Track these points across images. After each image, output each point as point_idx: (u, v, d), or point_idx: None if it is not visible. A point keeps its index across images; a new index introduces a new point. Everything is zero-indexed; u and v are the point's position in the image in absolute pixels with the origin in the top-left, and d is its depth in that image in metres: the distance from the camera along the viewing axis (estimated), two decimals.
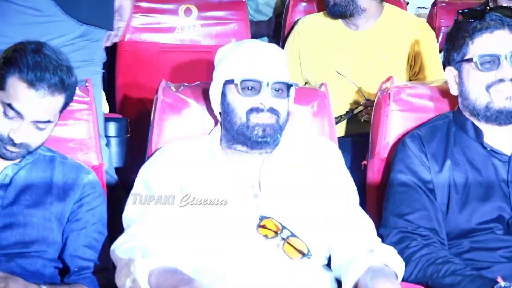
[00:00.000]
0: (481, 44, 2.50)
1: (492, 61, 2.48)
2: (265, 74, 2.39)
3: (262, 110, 2.37)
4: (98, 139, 2.74)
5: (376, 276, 2.20)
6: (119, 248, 2.27)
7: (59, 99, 2.34)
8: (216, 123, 2.60)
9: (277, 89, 2.40)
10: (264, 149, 2.43)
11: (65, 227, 2.42)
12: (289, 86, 2.45)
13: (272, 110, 2.37)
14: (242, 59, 2.44)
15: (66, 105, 2.39)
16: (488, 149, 2.50)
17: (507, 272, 2.35)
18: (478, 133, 2.54)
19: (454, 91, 2.60)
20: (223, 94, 2.46)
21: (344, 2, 3.76)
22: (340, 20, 3.84)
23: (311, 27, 3.93)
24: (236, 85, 2.39)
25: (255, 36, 4.59)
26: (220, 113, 2.50)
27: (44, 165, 2.47)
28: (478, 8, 2.56)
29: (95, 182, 2.52)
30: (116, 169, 3.29)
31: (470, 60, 2.51)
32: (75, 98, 2.50)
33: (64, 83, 2.31)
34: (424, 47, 3.75)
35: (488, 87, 2.48)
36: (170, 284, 2.08)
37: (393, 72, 3.57)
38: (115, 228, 2.56)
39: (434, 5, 4.54)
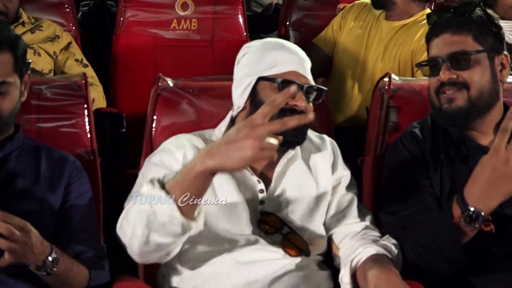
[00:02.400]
0: (430, 48, 2.53)
1: (435, 65, 2.49)
2: (302, 77, 2.39)
3: (295, 112, 2.35)
4: (94, 133, 2.72)
5: (374, 264, 2.23)
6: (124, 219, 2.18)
7: (5, 56, 2.29)
8: (214, 117, 2.58)
9: (308, 93, 2.40)
10: (291, 148, 2.42)
11: (57, 214, 2.40)
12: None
13: (302, 113, 2.34)
14: (285, 59, 2.42)
15: (19, 62, 2.33)
16: (472, 145, 2.49)
17: (495, 264, 2.37)
18: (456, 132, 2.53)
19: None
20: (254, 90, 2.43)
21: None
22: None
23: (362, 6, 4.11)
24: (278, 83, 2.37)
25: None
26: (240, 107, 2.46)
27: (29, 154, 2.44)
28: (441, 11, 2.58)
29: (81, 169, 2.48)
30: (112, 164, 3.28)
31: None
32: (71, 92, 2.48)
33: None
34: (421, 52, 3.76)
35: (436, 92, 2.49)
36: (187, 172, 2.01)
37: (398, 68, 3.69)
38: (110, 220, 2.55)
39: (431, 3, 4.52)
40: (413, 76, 3.73)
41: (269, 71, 2.40)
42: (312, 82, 2.43)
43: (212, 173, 1.97)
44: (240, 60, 2.50)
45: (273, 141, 1.92)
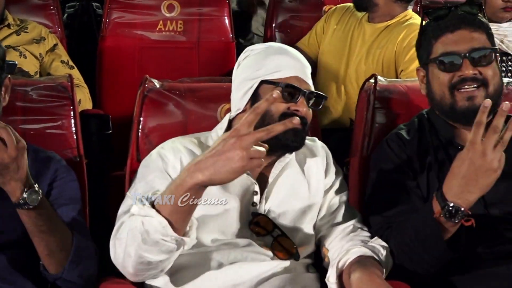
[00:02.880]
0: (443, 44, 2.49)
1: (453, 61, 2.46)
2: (304, 83, 2.39)
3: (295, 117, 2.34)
4: (80, 134, 2.70)
5: (358, 267, 2.23)
6: (117, 233, 2.17)
7: None
8: (201, 119, 2.58)
9: (309, 98, 2.39)
10: (289, 152, 2.41)
11: None
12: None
13: (302, 118, 2.34)
14: (288, 64, 2.42)
15: None
16: (461, 146, 2.49)
17: (482, 264, 2.37)
18: (449, 132, 2.54)
19: (423, 91, 2.61)
20: (255, 94, 2.42)
21: None
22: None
23: (345, 9, 4.13)
24: (281, 87, 2.36)
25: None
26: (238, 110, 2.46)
27: None
28: (444, 8, 2.54)
29: (67, 168, 2.46)
30: (98, 165, 3.27)
31: (433, 60, 2.51)
32: (57, 93, 2.47)
33: None
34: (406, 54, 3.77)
35: (451, 88, 2.47)
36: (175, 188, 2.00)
37: (381, 70, 3.70)
38: (98, 222, 2.55)
39: (417, 3, 4.54)
40: (397, 77, 3.73)
41: (272, 75, 2.39)
42: (313, 88, 2.42)
43: (203, 186, 1.97)
44: (241, 63, 2.49)
45: (260, 149, 1.92)
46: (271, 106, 2.30)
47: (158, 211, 2.01)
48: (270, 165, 2.43)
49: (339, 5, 4.21)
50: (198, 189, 1.98)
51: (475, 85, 2.44)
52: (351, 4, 4.09)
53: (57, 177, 2.42)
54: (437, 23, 2.52)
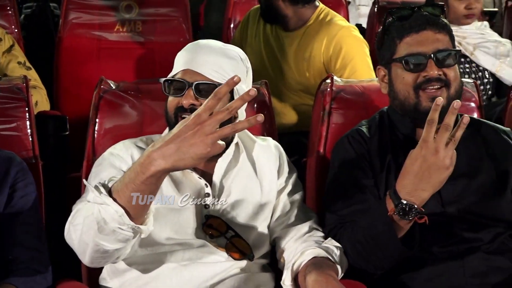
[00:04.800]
0: (408, 44, 2.49)
1: (418, 61, 2.46)
2: (195, 75, 2.37)
3: (187, 111, 2.33)
4: (35, 136, 2.68)
5: (313, 269, 2.23)
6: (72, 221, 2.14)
7: None
8: (156, 119, 2.58)
9: (198, 89, 2.36)
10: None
11: (1, 213, 2.36)
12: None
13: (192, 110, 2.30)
14: (182, 59, 2.42)
15: None
16: None
17: (436, 261, 2.39)
18: (409, 129, 2.55)
19: (384, 90, 2.60)
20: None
21: (266, 9, 3.88)
22: None
23: (256, 18, 4.00)
24: (166, 84, 2.39)
25: None
26: None
27: None
28: (407, 8, 2.55)
29: (27, 170, 2.45)
30: (55, 166, 3.25)
31: (397, 59, 2.50)
32: (12, 95, 2.45)
33: None
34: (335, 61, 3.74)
35: (415, 88, 2.47)
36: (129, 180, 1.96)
37: (311, 74, 3.67)
38: (54, 224, 2.53)
39: (374, 4, 4.57)
40: None
41: (172, 72, 2.42)
42: (213, 78, 2.36)
43: (164, 173, 1.94)
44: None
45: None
46: (168, 105, 2.36)
47: (114, 199, 1.97)
48: (213, 164, 2.42)
49: (252, 10, 4.08)
50: (160, 176, 1.94)
51: (438, 86, 2.45)
52: (256, 12, 4.02)
53: (18, 180, 2.41)
54: (401, 23, 2.52)
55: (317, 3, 3.89)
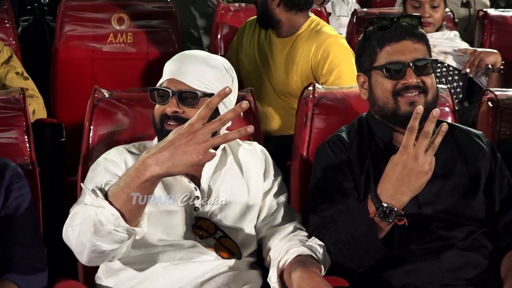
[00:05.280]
0: (388, 53, 2.49)
1: (398, 69, 2.46)
2: (179, 84, 2.37)
3: (176, 119, 2.34)
4: (32, 144, 2.67)
5: (298, 266, 2.23)
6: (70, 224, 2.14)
7: None
8: (147, 125, 2.57)
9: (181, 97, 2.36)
10: None
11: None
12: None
13: (184, 120, 2.28)
14: (168, 69, 2.42)
15: None
16: (396, 149, 2.51)
17: (414, 258, 2.39)
18: (387, 135, 2.54)
19: (363, 95, 2.60)
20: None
21: (261, 14, 3.91)
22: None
23: (253, 26, 4.01)
24: (153, 93, 2.39)
25: None
26: None
27: None
28: (387, 18, 2.55)
29: (21, 174, 2.45)
30: (52, 172, 3.23)
31: (377, 67, 2.50)
32: (10, 105, 2.49)
33: None
34: (328, 65, 3.74)
35: (394, 94, 2.47)
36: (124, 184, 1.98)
37: (299, 78, 3.67)
38: (52, 225, 2.53)
39: (353, 15, 4.57)
40: None
41: (160, 81, 2.41)
42: (196, 87, 2.35)
43: (158, 178, 1.95)
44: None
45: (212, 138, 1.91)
46: (154, 110, 2.36)
47: (110, 202, 1.98)
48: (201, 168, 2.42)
49: (249, 21, 4.12)
50: (154, 181, 1.96)
51: (417, 92, 2.46)
52: (252, 21, 4.04)
53: (13, 182, 2.40)
54: (381, 32, 2.52)
55: (309, 13, 3.91)
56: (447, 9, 4.54)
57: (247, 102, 1.91)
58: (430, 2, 4.13)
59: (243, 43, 4.05)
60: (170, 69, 2.40)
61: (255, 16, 4.03)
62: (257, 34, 3.98)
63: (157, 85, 2.40)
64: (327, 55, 3.70)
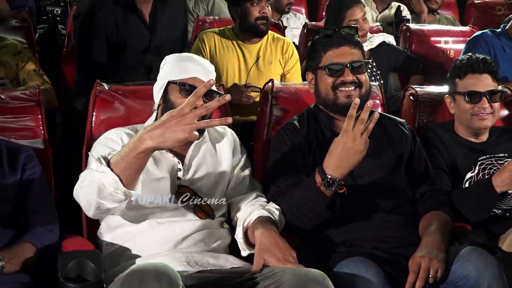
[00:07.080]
0: (331, 56, 2.51)
1: (338, 69, 2.49)
2: (202, 83, 2.27)
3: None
4: (45, 128, 2.65)
5: (259, 225, 2.23)
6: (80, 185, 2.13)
7: None
8: (139, 113, 2.59)
9: (209, 96, 2.33)
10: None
11: (17, 189, 2.33)
12: None
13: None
14: (190, 68, 2.38)
15: None
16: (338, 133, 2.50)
17: (351, 219, 2.38)
18: (329, 122, 2.55)
19: (311, 90, 2.62)
20: (166, 90, 2.38)
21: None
22: (235, 35, 3.70)
23: (214, 39, 3.71)
24: (179, 86, 2.34)
25: None
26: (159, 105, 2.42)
27: None
28: (330, 29, 2.58)
29: (33, 155, 2.43)
30: (62, 149, 3.21)
31: (322, 67, 2.53)
32: (28, 97, 2.53)
33: None
34: (287, 62, 3.72)
35: (334, 88, 2.49)
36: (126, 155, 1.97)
37: (269, 76, 3.55)
38: (62, 192, 2.53)
39: (304, 27, 4.54)
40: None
41: (178, 76, 2.37)
42: (214, 88, 2.37)
43: (151, 150, 1.96)
44: (162, 67, 2.47)
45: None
46: (178, 101, 2.29)
47: (112, 169, 1.99)
48: (187, 147, 2.40)
49: (204, 40, 3.69)
50: (148, 153, 1.97)
51: (353, 87, 2.48)
52: (218, 29, 3.76)
53: (27, 162, 2.39)
54: (325, 40, 2.54)
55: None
56: (378, 23, 4.63)
57: (229, 95, 1.94)
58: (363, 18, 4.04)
59: (210, 50, 3.68)
60: (193, 69, 2.36)
61: (206, 32, 3.76)
62: (221, 41, 3.68)
63: (178, 78, 2.34)
64: (291, 55, 3.72)
